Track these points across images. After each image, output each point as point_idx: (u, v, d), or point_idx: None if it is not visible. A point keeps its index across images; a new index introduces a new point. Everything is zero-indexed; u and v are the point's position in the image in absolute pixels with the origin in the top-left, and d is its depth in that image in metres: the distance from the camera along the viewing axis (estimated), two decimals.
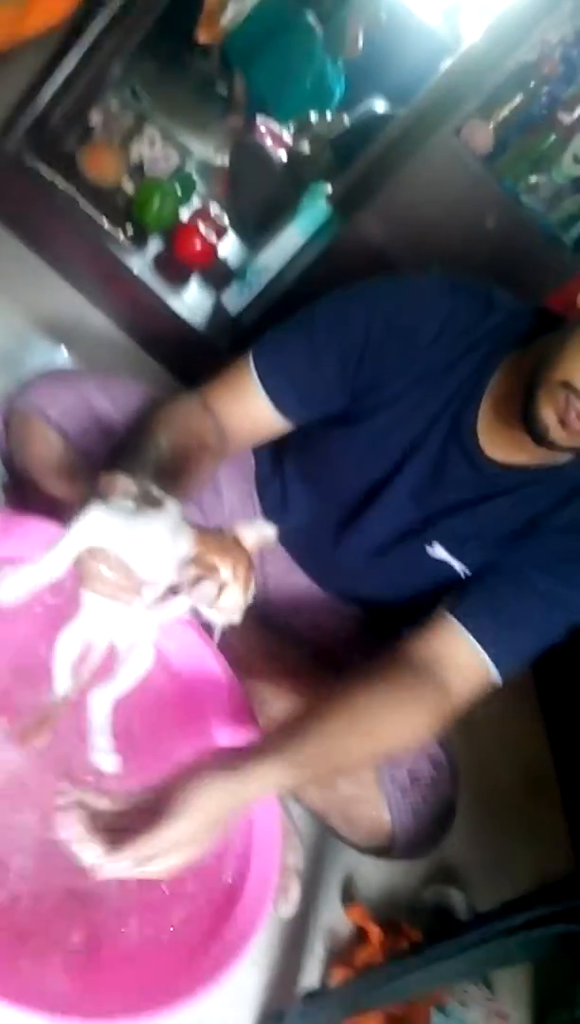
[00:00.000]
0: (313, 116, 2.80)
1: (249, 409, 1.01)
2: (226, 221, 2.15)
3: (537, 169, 1.64)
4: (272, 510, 1.17)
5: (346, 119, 2.75)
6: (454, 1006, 1.15)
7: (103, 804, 0.68)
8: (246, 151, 2.63)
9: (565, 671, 1.98)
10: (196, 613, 0.74)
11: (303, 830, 1.15)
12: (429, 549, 1.03)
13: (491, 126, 1.62)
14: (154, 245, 1.97)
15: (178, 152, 2.08)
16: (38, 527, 0.86)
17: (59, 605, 0.83)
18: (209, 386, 1.02)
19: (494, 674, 0.94)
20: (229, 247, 2.18)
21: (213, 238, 2.02)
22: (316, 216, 1.85)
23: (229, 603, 0.72)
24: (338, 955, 1.11)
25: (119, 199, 1.97)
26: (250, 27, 2.94)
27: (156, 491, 0.74)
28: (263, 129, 2.63)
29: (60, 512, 0.79)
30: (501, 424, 0.96)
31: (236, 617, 0.73)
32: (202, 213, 2.10)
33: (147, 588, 0.74)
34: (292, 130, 2.76)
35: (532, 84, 1.61)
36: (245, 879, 0.84)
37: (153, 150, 2.05)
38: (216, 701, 0.96)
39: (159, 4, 1.68)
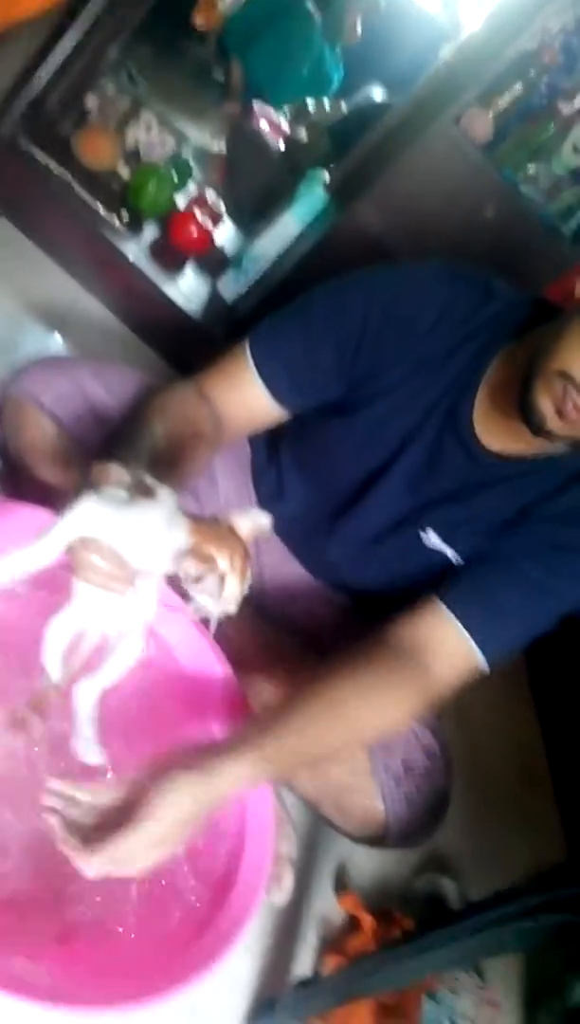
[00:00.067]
0: (310, 103, 2.78)
1: (245, 397, 1.01)
2: (222, 208, 2.14)
3: (536, 159, 1.64)
4: (268, 499, 1.17)
5: (343, 107, 2.73)
6: (445, 994, 1.15)
7: (86, 799, 0.70)
8: (243, 137, 2.62)
9: (558, 660, 1.99)
10: (193, 603, 0.74)
11: (296, 819, 1.15)
12: (423, 536, 1.03)
13: (491, 115, 1.60)
14: (150, 231, 1.95)
15: (174, 137, 2.06)
16: (30, 514, 0.86)
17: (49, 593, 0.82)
18: (205, 374, 1.02)
19: (481, 661, 0.93)
20: (225, 234, 2.17)
21: (209, 225, 2.00)
22: (313, 204, 1.84)
23: (227, 593, 0.72)
24: (331, 943, 1.12)
25: (114, 184, 1.96)
26: (248, 12, 2.91)
27: (150, 480, 0.73)
28: (260, 116, 2.61)
29: (54, 499, 0.79)
30: (498, 413, 0.96)
31: (233, 607, 0.73)
32: (198, 199, 2.08)
33: (141, 578, 0.73)
34: (288, 117, 2.75)
35: (532, 73, 1.60)
36: (238, 867, 0.84)
37: (149, 135, 2.03)
38: (212, 691, 0.96)
39: None
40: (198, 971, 0.72)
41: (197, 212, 1.99)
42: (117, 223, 1.84)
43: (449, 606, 0.93)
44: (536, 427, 0.88)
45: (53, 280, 1.78)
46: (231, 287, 1.93)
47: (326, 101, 2.81)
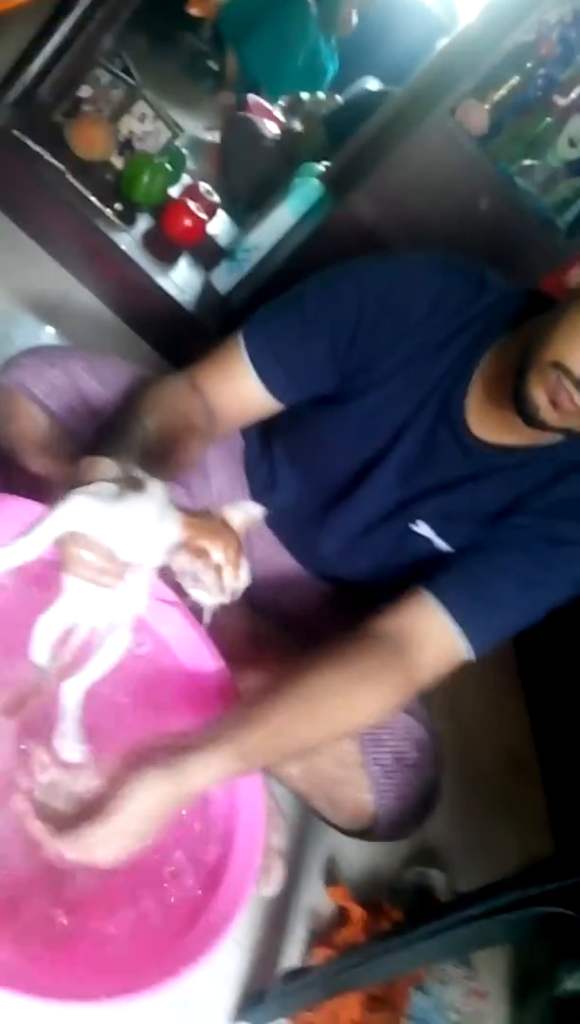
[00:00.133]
0: (304, 95, 2.77)
1: (239, 389, 1.00)
2: (216, 199, 2.13)
3: (532, 152, 1.63)
4: (260, 491, 1.16)
5: (338, 99, 2.72)
6: (434, 985, 1.16)
7: (65, 781, 0.72)
8: (238, 128, 2.61)
9: (547, 652, 2.00)
10: (186, 595, 0.73)
11: (286, 811, 1.16)
12: (413, 527, 1.03)
13: (486, 107, 1.60)
14: (143, 222, 1.94)
15: (169, 128, 2.05)
16: (19, 506, 0.85)
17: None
18: (198, 366, 1.01)
19: (466, 650, 0.93)
20: (219, 225, 2.16)
21: (203, 216, 1.99)
22: (308, 195, 1.83)
23: (222, 585, 0.71)
24: (320, 935, 1.12)
25: (108, 175, 1.95)
26: (243, 1, 2.90)
27: (139, 474, 0.73)
28: (255, 107, 2.60)
29: (44, 490, 0.78)
30: (491, 405, 0.96)
31: (227, 599, 0.73)
32: (192, 190, 2.07)
33: (132, 571, 0.73)
34: (282, 108, 2.74)
35: (529, 65, 1.59)
36: (229, 859, 0.84)
37: (143, 125, 2.02)
38: (205, 684, 0.96)
39: None
40: (188, 964, 0.72)
41: (191, 203, 1.98)
42: (110, 214, 1.83)
43: (437, 595, 0.93)
44: (529, 418, 0.88)
45: (46, 271, 1.77)
46: (225, 279, 1.92)
47: (320, 93, 2.80)
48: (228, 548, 0.71)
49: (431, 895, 1.27)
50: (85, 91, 1.90)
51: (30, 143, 1.73)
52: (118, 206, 1.87)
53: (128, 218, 1.89)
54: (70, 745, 0.75)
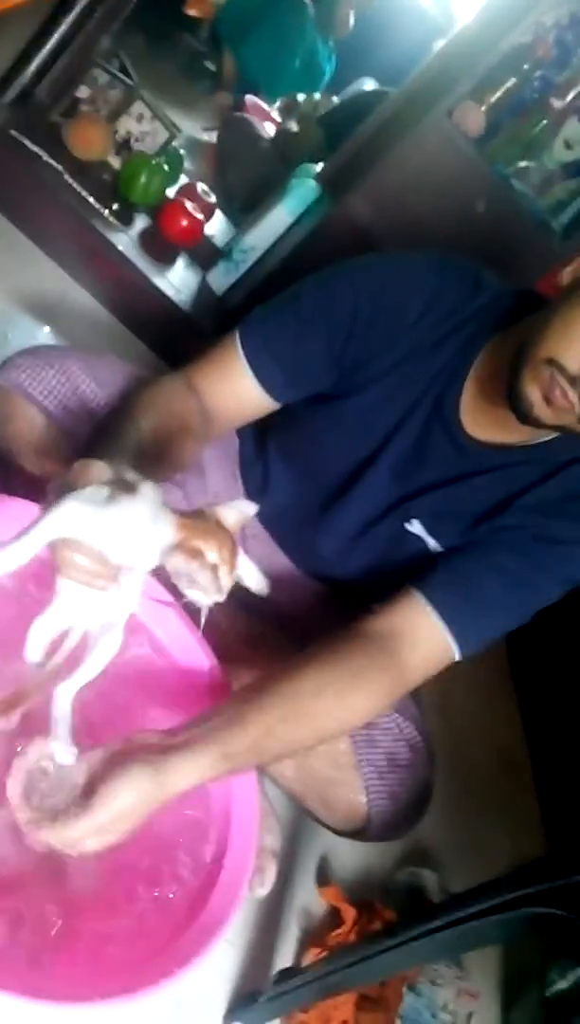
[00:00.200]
0: (301, 96, 2.77)
1: (235, 389, 1.00)
2: (213, 199, 2.13)
3: (528, 153, 1.64)
4: (255, 491, 1.17)
5: (335, 100, 2.73)
6: (425, 985, 1.16)
7: (56, 770, 0.73)
8: (235, 129, 2.61)
9: (539, 653, 2.00)
10: (181, 595, 0.74)
11: (280, 811, 1.16)
12: (407, 526, 1.04)
13: (483, 109, 1.60)
14: (140, 222, 1.94)
15: (166, 128, 2.05)
16: (15, 507, 0.85)
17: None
18: (194, 366, 1.01)
19: (455, 650, 0.93)
20: (216, 226, 2.16)
21: (200, 216, 2.00)
22: (305, 196, 1.83)
23: (218, 585, 0.72)
24: (313, 935, 1.13)
25: (105, 175, 1.95)
26: (241, 2, 2.90)
27: (132, 476, 0.72)
28: (252, 108, 2.60)
29: (42, 490, 0.78)
30: (485, 403, 0.96)
31: (223, 598, 0.73)
32: (189, 190, 2.07)
33: (125, 573, 0.73)
34: (279, 109, 2.74)
35: (525, 67, 1.59)
36: (222, 860, 0.84)
37: (141, 126, 2.02)
38: (199, 684, 0.96)
39: None
40: (182, 964, 0.72)
41: (188, 203, 1.99)
42: (107, 214, 1.83)
43: (426, 595, 0.93)
44: (524, 415, 0.88)
45: (43, 271, 1.77)
46: (221, 279, 1.92)
47: (317, 95, 2.80)
48: (222, 548, 0.71)
49: (423, 895, 1.27)
50: (83, 91, 1.90)
51: (28, 143, 1.73)
52: (115, 206, 1.88)
53: (125, 218, 1.89)
54: (62, 748, 0.75)
